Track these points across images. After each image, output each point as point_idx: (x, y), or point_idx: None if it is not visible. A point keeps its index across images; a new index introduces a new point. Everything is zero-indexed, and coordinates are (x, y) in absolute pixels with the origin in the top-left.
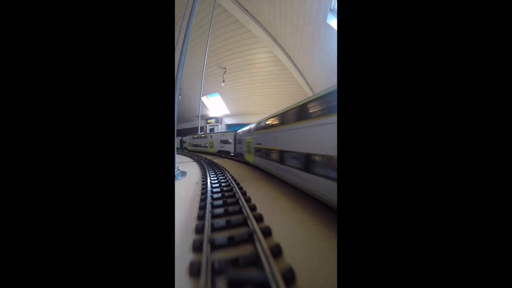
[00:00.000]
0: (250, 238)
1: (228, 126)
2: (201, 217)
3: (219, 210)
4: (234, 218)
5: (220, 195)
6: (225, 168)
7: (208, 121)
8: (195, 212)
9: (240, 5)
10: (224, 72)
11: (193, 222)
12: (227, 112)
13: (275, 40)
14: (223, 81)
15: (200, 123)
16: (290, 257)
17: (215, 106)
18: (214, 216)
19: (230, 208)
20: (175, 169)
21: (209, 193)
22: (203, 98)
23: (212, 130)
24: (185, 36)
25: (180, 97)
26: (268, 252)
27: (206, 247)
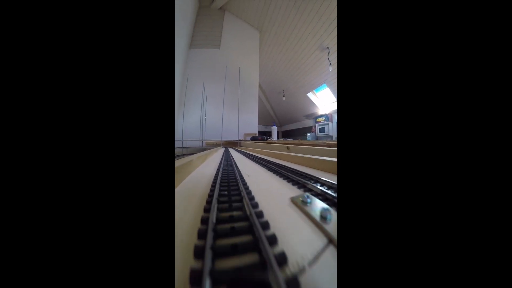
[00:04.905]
0: None
1: None
2: None
3: None
4: None
5: None
6: None
7: (317, 119)
8: None
9: None
10: (329, 53)
11: None
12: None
13: None
14: (330, 64)
15: (309, 123)
16: None
17: (324, 102)
18: None
19: None
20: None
21: None
22: (309, 95)
23: (322, 130)
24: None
25: (284, 98)
26: None
27: None
